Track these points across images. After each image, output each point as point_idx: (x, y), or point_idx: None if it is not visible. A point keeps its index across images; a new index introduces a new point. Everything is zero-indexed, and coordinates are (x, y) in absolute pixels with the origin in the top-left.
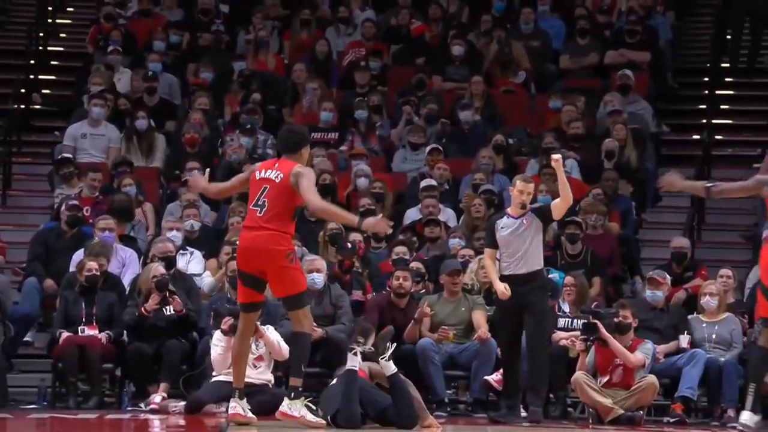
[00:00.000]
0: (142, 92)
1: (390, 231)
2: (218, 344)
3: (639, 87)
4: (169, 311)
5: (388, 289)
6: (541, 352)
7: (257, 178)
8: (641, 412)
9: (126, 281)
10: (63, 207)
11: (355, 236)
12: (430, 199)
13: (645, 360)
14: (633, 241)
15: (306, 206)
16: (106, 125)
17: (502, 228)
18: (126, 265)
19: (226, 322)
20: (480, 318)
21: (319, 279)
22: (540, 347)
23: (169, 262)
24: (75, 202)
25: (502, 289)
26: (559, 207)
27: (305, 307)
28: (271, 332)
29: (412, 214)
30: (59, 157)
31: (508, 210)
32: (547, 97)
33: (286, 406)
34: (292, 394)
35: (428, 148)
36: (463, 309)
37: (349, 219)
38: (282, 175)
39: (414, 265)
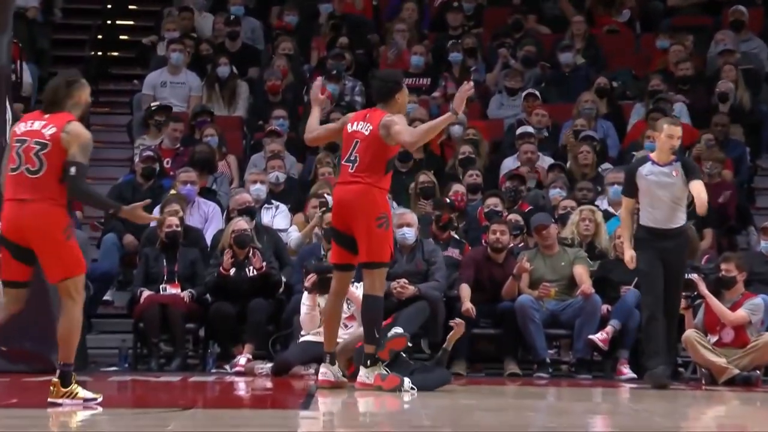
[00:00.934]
0: (224, 37)
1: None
2: (306, 303)
3: (753, 24)
4: (252, 272)
5: (483, 243)
6: (677, 313)
7: (349, 131)
8: (758, 372)
9: (208, 237)
10: (137, 159)
11: (457, 188)
12: (528, 145)
13: (748, 317)
14: (747, 189)
15: (406, 148)
16: (187, 72)
17: (646, 175)
18: (209, 220)
19: (309, 279)
20: (582, 272)
21: (410, 234)
22: (678, 308)
23: (250, 213)
24: (150, 153)
25: (630, 258)
26: (697, 188)
27: (384, 268)
28: (361, 291)
29: (509, 164)
30: (154, 105)
31: (652, 156)
32: (653, 36)
33: (363, 374)
34: (368, 361)
35: (524, 94)
36: (563, 263)
37: (444, 120)
38: (371, 126)
39: (512, 217)
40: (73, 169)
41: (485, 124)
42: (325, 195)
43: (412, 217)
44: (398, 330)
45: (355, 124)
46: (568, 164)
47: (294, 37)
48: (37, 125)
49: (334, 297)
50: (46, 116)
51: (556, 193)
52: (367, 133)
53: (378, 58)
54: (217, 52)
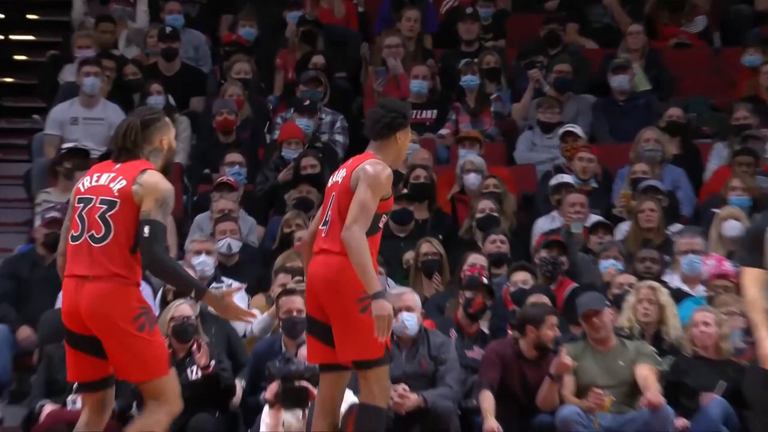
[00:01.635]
0: (157, 56)
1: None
2: (265, 420)
3: None
4: (195, 373)
5: (509, 333)
6: None
7: (329, 185)
8: None
9: None
10: (38, 222)
11: (476, 260)
12: (575, 195)
13: None
14: None
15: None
16: (106, 104)
17: None
18: None
19: (271, 389)
20: (648, 375)
21: (411, 321)
22: None
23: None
24: (55, 214)
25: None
26: None
27: (383, 366)
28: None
29: (543, 225)
30: (65, 148)
31: None
32: (738, 51)
33: None
34: None
35: (560, 132)
36: (621, 363)
37: (371, 282)
38: (346, 173)
39: (534, 299)
40: (146, 229)
41: (511, 172)
42: (294, 268)
43: (413, 298)
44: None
45: (335, 174)
46: (622, 226)
47: (252, 56)
48: (104, 179)
49: (321, 413)
50: (117, 166)
51: (609, 266)
52: (340, 181)
53: (366, 80)
54: (148, 76)
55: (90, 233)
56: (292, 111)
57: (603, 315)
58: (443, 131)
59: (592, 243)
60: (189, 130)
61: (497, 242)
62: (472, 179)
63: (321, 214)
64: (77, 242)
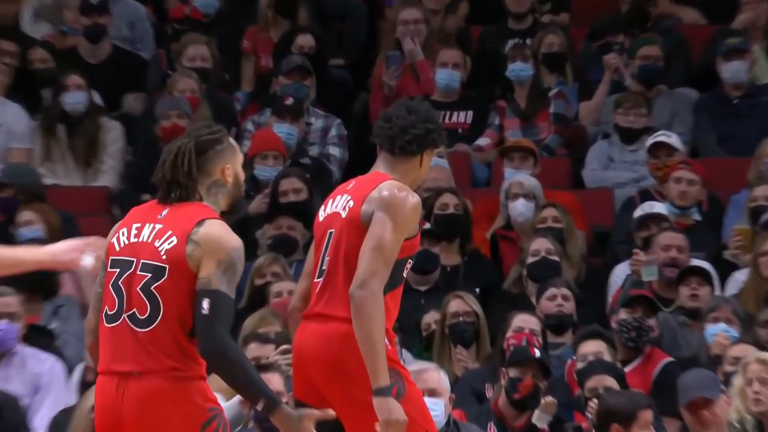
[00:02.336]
0: (78, 37)
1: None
2: None
3: None
4: None
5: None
6: None
7: (320, 219)
8: None
9: (42, 420)
10: None
11: (523, 322)
12: (670, 233)
13: None
14: None
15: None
16: (3, 104)
17: None
18: (42, 388)
19: None
20: None
21: (436, 410)
22: None
23: None
24: None
25: None
26: None
27: None
28: None
29: (623, 274)
30: None
31: None
32: None
33: None
34: None
35: (648, 142)
36: None
37: (379, 372)
38: (353, 202)
39: (594, 382)
40: (205, 304)
41: (579, 198)
42: (272, 336)
43: (438, 377)
44: None
45: (330, 204)
46: (737, 275)
47: (213, 37)
48: (147, 233)
49: None
50: (164, 213)
51: (719, 332)
52: (344, 213)
53: (372, 72)
54: (64, 64)
55: (131, 313)
56: (268, 113)
57: (716, 405)
58: (482, 141)
59: (682, 297)
60: (122, 140)
61: (558, 298)
62: (521, 208)
63: (313, 261)
64: (114, 324)
